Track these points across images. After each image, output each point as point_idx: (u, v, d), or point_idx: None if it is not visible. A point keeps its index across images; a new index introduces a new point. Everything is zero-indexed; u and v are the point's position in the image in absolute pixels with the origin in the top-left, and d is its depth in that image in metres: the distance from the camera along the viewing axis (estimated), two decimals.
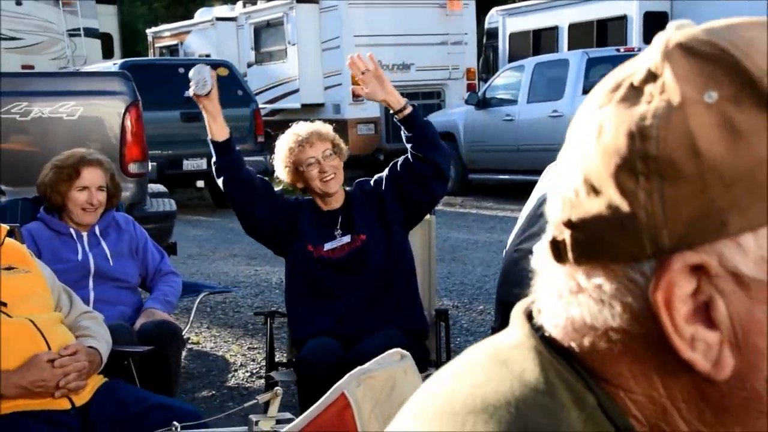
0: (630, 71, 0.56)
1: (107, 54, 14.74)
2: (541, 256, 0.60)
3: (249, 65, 13.96)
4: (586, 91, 9.88)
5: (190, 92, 2.98)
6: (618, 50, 10.18)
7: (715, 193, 0.51)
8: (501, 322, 2.96)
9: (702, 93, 0.52)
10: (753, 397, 0.53)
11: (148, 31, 16.70)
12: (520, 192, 10.63)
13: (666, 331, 0.53)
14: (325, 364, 2.78)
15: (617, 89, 0.56)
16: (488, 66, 14.63)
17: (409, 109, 2.98)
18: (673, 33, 0.55)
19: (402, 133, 3.02)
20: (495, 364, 0.60)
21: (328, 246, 3.08)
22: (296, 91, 13.12)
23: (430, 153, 2.99)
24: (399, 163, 3.10)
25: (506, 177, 10.49)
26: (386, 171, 3.16)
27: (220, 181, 3.03)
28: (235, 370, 4.48)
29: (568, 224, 0.56)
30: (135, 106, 5.12)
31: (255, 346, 4.79)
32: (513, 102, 10.68)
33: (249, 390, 4.11)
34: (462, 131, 11.10)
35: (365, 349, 2.71)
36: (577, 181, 0.56)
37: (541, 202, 2.96)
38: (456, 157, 11.13)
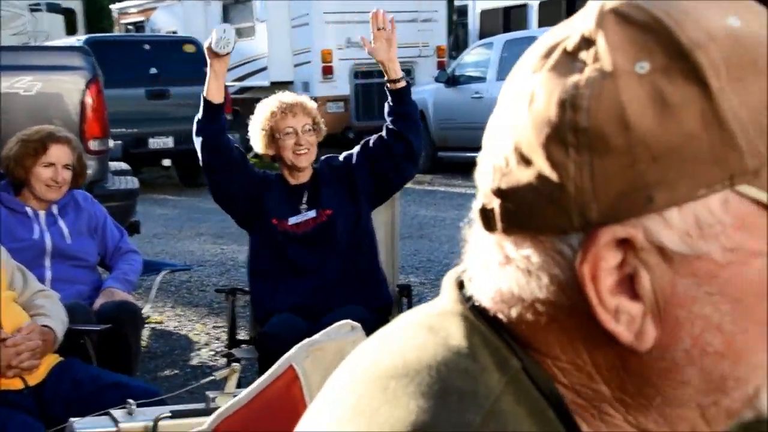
0: (563, 35, 0.55)
1: (70, 30, 14.47)
2: (472, 224, 0.59)
3: None
4: None
5: (207, 44, 2.95)
6: None
7: (643, 168, 0.50)
8: None
9: (634, 63, 0.51)
10: (672, 368, 0.54)
11: (112, 6, 16.41)
12: None
13: (591, 303, 0.53)
14: (288, 340, 2.75)
15: (550, 54, 0.55)
16: (458, 44, 14.59)
17: (403, 83, 3.04)
18: None
19: (387, 103, 3.05)
20: (421, 330, 0.60)
21: (292, 220, 3.08)
22: (265, 68, 12.99)
23: (408, 131, 3.03)
24: (372, 140, 3.12)
25: (475, 155, 10.46)
26: (357, 147, 3.17)
27: (198, 142, 2.99)
28: (199, 349, 4.45)
29: (498, 193, 0.55)
30: (95, 82, 5.02)
31: (219, 325, 4.75)
32: (482, 79, 10.66)
33: (212, 368, 4.08)
34: (431, 109, 11.07)
35: (327, 325, 2.70)
36: (507, 148, 0.55)
37: None
38: (425, 135, 11.12)
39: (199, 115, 2.98)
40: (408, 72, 13.22)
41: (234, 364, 2.02)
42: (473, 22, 13.91)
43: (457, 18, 15.12)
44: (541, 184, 0.52)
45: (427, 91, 11.36)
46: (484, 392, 0.54)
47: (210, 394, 2.06)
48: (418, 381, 0.55)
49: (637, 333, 0.53)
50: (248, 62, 13.29)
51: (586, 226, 0.52)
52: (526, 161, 0.53)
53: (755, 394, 0.55)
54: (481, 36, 12.91)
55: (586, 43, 0.53)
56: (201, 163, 3.04)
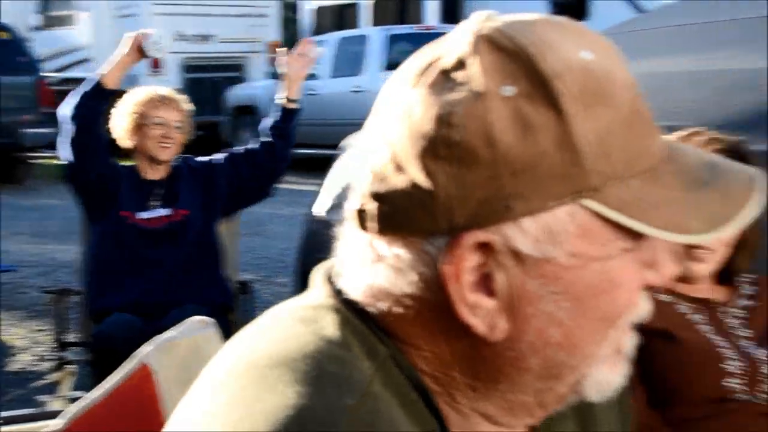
0: (439, 54, 0.60)
1: None
2: (345, 223, 0.63)
3: (34, 29, 12.98)
4: (389, 67, 10.09)
5: (135, 37, 2.96)
6: (417, 28, 10.48)
7: (504, 181, 0.57)
8: (302, 290, 3.03)
9: (501, 87, 0.57)
10: (518, 357, 0.61)
11: None
12: (323, 166, 10.64)
13: (452, 298, 0.59)
14: (126, 339, 2.67)
15: (427, 72, 0.60)
16: (291, 40, 14.58)
17: (298, 105, 3.15)
18: (482, 24, 0.60)
19: (271, 119, 3.13)
20: (295, 323, 0.63)
21: (143, 215, 3.03)
22: (87, 60, 12.38)
23: (283, 150, 3.14)
24: (240, 150, 3.17)
25: (310, 151, 10.53)
26: (224, 153, 3.19)
27: (75, 119, 2.88)
28: (19, 354, 4.19)
29: (375, 196, 0.60)
30: None
31: (42, 328, 4.49)
32: (316, 77, 10.71)
33: (35, 374, 3.86)
34: (263, 105, 11.00)
35: (167, 324, 2.64)
36: (385, 156, 0.60)
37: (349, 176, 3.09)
38: (255, 132, 11.01)
39: (86, 92, 2.90)
40: (239, 67, 13.05)
41: (68, 366, 1.92)
42: (306, 19, 13.94)
43: (290, 14, 15.10)
44: (415, 191, 0.58)
45: (259, 87, 11.27)
46: (358, 377, 0.59)
47: (43, 398, 1.95)
48: (295, 369, 0.58)
49: (490, 326, 0.60)
50: (70, 52, 12.62)
51: (452, 230, 0.58)
52: (402, 170, 0.58)
53: (582, 380, 0.63)
54: (316, 33, 12.97)
55: (461, 65, 0.59)
56: (69, 141, 2.92)
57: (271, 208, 8.40)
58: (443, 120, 0.57)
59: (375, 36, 10.23)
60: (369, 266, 0.62)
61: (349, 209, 0.63)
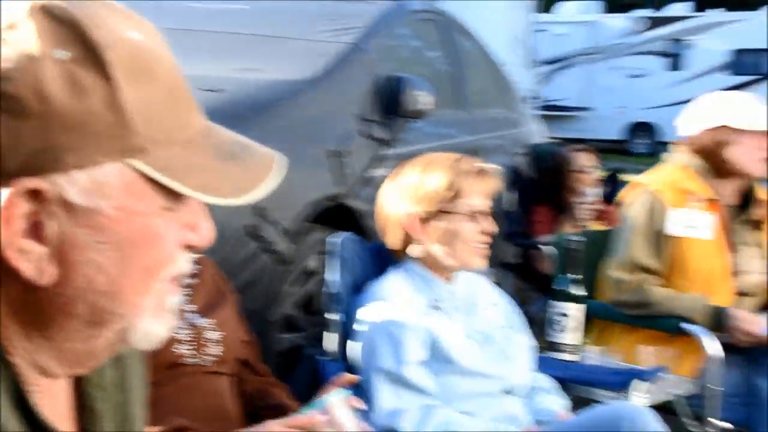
0: None
1: None
2: None
3: None
4: None
5: None
6: None
7: (55, 134, 0.62)
8: None
9: (54, 50, 0.63)
10: (67, 303, 0.66)
11: None
12: None
13: (1, 243, 0.63)
14: None
15: None
16: None
17: None
18: None
19: None
20: None
21: None
22: None
23: None
24: None
25: None
26: None
27: None
28: None
29: None
30: None
31: None
32: None
33: None
34: None
35: None
36: None
37: None
38: None
39: None
40: None
41: None
42: None
43: None
44: None
45: None
46: None
47: None
48: None
49: (39, 270, 0.64)
50: None
51: (4, 177, 0.62)
52: None
53: (128, 330, 0.69)
54: None
55: (14, 27, 0.64)
56: None
57: None
58: None
59: None
60: None
61: None
